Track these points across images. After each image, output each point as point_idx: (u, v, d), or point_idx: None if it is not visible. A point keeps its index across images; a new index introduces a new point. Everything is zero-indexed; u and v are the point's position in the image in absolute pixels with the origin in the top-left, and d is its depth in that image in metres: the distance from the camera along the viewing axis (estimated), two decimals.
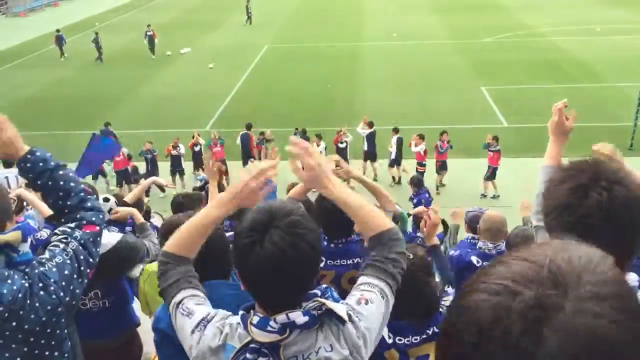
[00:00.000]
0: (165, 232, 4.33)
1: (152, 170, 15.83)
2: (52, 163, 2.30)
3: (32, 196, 5.43)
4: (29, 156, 2.27)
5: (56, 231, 2.26)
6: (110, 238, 4.04)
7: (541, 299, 0.77)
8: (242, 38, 34.83)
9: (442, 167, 15.86)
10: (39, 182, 2.28)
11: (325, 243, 3.79)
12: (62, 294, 2.09)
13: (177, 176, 16.33)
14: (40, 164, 2.27)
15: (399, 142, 16.00)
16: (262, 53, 31.16)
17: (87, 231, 2.27)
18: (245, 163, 16.81)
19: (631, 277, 1.76)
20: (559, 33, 32.22)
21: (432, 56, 28.55)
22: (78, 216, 2.28)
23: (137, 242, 4.35)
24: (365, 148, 16.57)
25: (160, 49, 31.00)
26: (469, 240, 5.57)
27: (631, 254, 1.68)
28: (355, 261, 3.73)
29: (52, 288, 2.07)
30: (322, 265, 3.67)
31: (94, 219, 2.32)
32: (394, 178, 16.43)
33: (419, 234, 5.68)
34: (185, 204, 6.89)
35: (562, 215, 1.69)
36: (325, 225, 3.73)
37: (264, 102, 22.32)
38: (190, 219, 2.17)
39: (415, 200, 12.49)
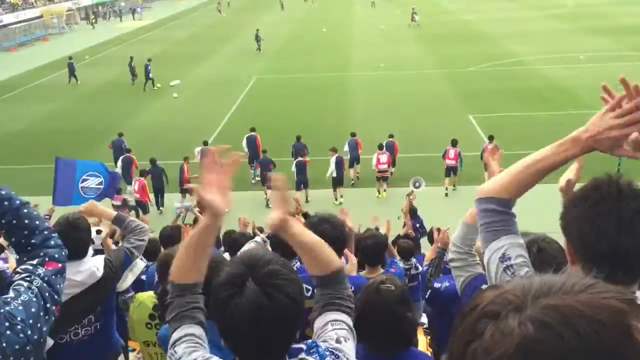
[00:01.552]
0: (161, 268, 4.35)
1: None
2: (17, 202, 2.28)
3: None
4: None
5: (18, 270, 2.22)
6: (98, 263, 4.11)
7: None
8: (231, 70, 35.12)
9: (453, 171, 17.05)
10: (3, 221, 2.25)
11: (308, 275, 3.75)
12: (29, 332, 2.04)
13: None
14: (5, 203, 2.24)
15: (338, 161, 16.83)
16: (250, 84, 31.41)
17: (50, 268, 2.23)
18: (251, 164, 18.25)
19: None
20: (544, 61, 32.75)
21: (420, 85, 28.91)
22: (41, 253, 2.26)
23: (118, 255, 4.35)
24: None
25: (141, 84, 31.28)
26: None
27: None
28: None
29: (19, 327, 2.02)
30: (308, 294, 3.64)
31: (56, 255, 2.29)
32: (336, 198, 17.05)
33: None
34: (176, 236, 6.87)
35: (573, 209, 1.79)
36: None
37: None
38: (184, 240, 2.15)
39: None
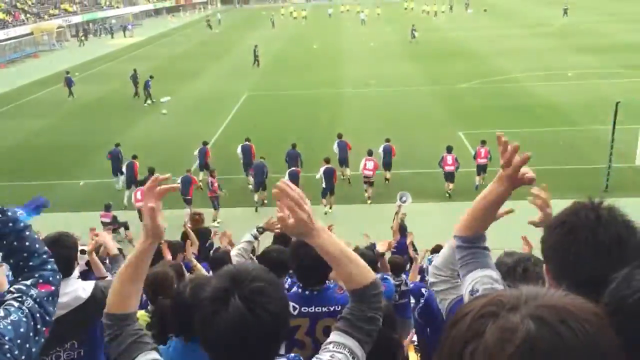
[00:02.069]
0: (152, 287, 4.33)
1: None
2: (21, 224, 2.30)
3: None
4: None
5: (11, 289, 2.22)
6: (86, 286, 4.06)
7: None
8: (222, 86, 35.21)
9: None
10: (4, 242, 2.27)
11: (300, 290, 3.76)
12: (17, 352, 2.03)
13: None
14: (10, 224, 2.27)
15: (328, 172, 17.15)
16: (241, 101, 31.48)
17: (43, 290, 2.24)
18: (246, 171, 19.19)
19: None
20: (533, 78, 33.08)
21: (410, 102, 29.08)
22: (36, 275, 2.27)
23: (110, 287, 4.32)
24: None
25: (141, 98, 31.35)
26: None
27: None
28: (332, 309, 3.63)
29: (7, 347, 2.00)
30: (295, 312, 3.64)
31: (50, 279, 2.30)
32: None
33: None
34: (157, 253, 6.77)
35: (552, 232, 1.83)
36: (299, 272, 3.74)
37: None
38: (119, 269, 2.17)
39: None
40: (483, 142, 18.08)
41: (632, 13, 60.59)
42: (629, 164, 17.99)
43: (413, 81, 34.25)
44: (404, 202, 13.70)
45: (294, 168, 17.50)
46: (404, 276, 7.57)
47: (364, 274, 2.03)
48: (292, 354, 1.93)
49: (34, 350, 2.12)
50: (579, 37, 47.26)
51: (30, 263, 2.29)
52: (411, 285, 7.28)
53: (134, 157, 19.15)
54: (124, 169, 18.87)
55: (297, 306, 3.66)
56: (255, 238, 6.07)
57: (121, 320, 2.06)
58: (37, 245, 2.32)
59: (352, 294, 2.03)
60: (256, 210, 17.32)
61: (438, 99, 29.44)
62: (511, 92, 30.32)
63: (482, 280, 2.06)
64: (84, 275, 5.74)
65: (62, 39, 63.64)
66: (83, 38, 63.54)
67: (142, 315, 4.26)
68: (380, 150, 18.69)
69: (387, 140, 19.22)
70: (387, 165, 18.84)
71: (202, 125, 26.23)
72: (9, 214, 2.29)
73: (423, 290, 5.93)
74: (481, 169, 18.05)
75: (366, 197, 18.00)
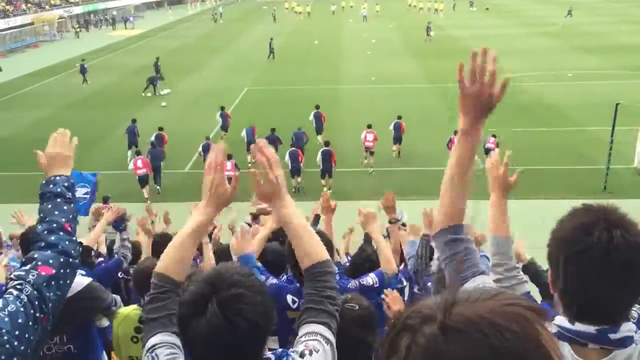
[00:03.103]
0: (139, 281, 4.30)
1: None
2: (59, 190, 2.37)
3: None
4: (50, 178, 2.41)
5: (12, 276, 2.19)
6: (78, 280, 4.00)
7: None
8: (222, 81, 35.14)
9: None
10: (43, 198, 2.36)
11: (298, 284, 3.77)
12: (15, 342, 2.00)
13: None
14: (51, 186, 2.38)
15: (326, 154, 18.20)
16: (241, 95, 31.41)
17: (43, 273, 2.17)
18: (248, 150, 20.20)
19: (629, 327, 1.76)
20: (533, 78, 33.04)
21: (410, 99, 29.04)
22: (35, 255, 2.21)
23: (105, 292, 4.30)
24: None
25: (139, 91, 31.31)
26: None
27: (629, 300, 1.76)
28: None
29: (5, 338, 1.99)
30: (294, 306, 3.71)
31: (51, 260, 2.21)
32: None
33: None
34: (163, 244, 6.73)
35: (563, 248, 1.77)
36: (296, 269, 3.73)
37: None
38: (176, 235, 2.16)
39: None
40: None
41: (633, 14, 60.56)
42: (627, 165, 17.99)
43: (414, 78, 34.22)
44: (400, 219, 13.62)
45: (294, 148, 18.85)
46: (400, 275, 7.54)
47: (321, 251, 2.10)
48: (280, 349, 1.92)
49: (32, 338, 2.08)
50: (581, 38, 47.20)
51: (39, 226, 2.28)
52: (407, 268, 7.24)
53: (160, 128, 21.36)
54: (153, 139, 20.41)
55: (296, 299, 3.73)
56: (250, 226, 6.09)
57: (169, 284, 2.06)
58: (55, 213, 2.31)
59: (307, 272, 2.07)
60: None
61: (438, 96, 29.36)
62: (511, 91, 29.52)
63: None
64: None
65: (63, 29, 63.46)
66: (79, 30, 63.21)
67: (134, 310, 4.24)
68: (391, 127, 21.14)
69: (399, 118, 21.45)
70: (398, 140, 21.16)
71: (202, 119, 26.18)
72: (57, 178, 2.42)
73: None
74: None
75: (367, 165, 20.09)
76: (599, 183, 17.14)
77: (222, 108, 23.68)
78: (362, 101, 29.39)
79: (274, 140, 19.15)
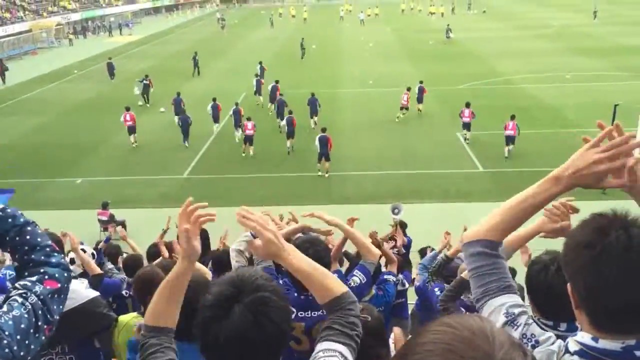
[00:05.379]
0: (138, 287, 4.29)
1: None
2: (21, 219, 2.32)
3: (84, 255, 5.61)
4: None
5: (16, 285, 2.21)
6: (88, 292, 4.00)
7: None
8: (222, 85, 35.14)
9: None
10: (7, 238, 2.29)
11: (296, 294, 3.75)
12: (16, 348, 2.01)
13: None
14: (9, 220, 2.29)
15: (323, 139, 19.10)
16: (240, 99, 31.39)
17: (48, 287, 2.22)
18: (236, 128, 23.47)
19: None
20: (531, 80, 33.11)
21: (408, 102, 29.01)
22: (42, 270, 2.25)
23: (109, 312, 4.26)
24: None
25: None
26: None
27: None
28: (325, 312, 3.67)
29: (5, 341, 1.99)
30: (292, 316, 3.63)
31: (57, 275, 2.27)
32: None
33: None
34: (133, 267, 6.59)
35: (580, 253, 1.68)
36: (295, 278, 3.72)
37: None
38: (160, 285, 2.20)
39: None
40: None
41: (631, 16, 60.71)
42: None
43: (411, 81, 34.08)
44: (397, 214, 13.59)
45: (290, 115, 22.04)
46: (400, 276, 7.53)
47: (336, 286, 2.10)
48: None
49: (32, 347, 2.10)
50: (578, 39, 47.31)
51: (33, 257, 2.27)
52: (417, 284, 7.27)
53: (214, 99, 25.04)
54: (209, 110, 24.93)
55: (294, 310, 3.66)
56: (254, 236, 5.98)
57: (154, 332, 2.13)
58: (38, 239, 2.31)
59: (328, 306, 2.07)
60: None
61: (437, 99, 29.38)
62: (510, 93, 30.32)
63: (514, 306, 1.95)
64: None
65: (61, 36, 63.51)
66: (73, 37, 63.12)
67: (133, 317, 4.24)
68: (416, 89, 26.30)
69: (421, 82, 27.07)
70: (420, 100, 26.48)
71: (200, 124, 26.15)
72: (8, 210, 2.31)
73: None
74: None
75: (399, 115, 25.36)
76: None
77: (214, 99, 25.11)
78: (360, 104, 29.41)
79: (314, 102, 24.37)
